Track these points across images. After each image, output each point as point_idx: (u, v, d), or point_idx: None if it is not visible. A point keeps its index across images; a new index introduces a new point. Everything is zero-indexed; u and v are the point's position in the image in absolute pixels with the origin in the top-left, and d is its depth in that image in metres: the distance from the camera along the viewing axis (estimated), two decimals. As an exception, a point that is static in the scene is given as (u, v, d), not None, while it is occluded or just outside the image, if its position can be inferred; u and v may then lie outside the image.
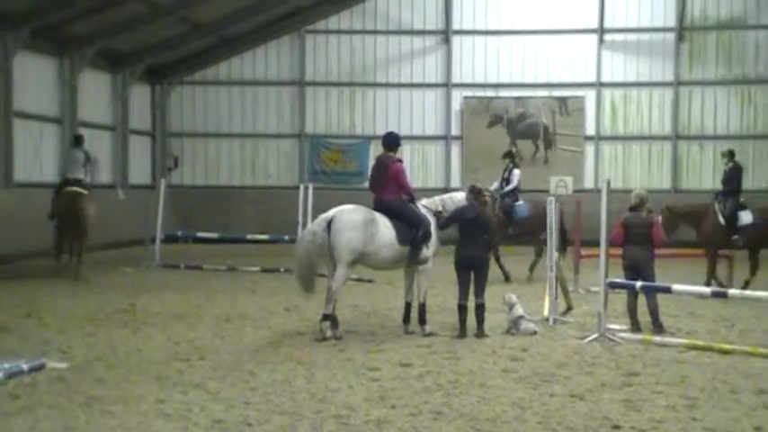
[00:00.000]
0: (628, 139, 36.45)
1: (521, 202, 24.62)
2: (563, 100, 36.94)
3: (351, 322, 16.89)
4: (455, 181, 36.37)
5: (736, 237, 21.44)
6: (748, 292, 14.67)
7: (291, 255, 15.51)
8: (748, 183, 34.50)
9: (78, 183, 23.86)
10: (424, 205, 16.42)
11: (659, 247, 16.47)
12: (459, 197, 16.78)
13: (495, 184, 24.68)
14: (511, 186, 24.62)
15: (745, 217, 21.62)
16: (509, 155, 25.75)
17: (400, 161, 16.19)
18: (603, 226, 14.98)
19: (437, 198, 16.91)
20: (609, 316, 16.03)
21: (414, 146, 37.04)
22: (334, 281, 15.26)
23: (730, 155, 22.81)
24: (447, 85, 37.21)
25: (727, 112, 36.21)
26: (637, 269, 16.13)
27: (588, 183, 36.44)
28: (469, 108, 37.16)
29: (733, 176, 22.31)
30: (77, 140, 25.24)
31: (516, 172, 24.88)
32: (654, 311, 16.13)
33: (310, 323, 16.48)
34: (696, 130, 36.46)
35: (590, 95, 36.85)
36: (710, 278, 21.60)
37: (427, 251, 15.89)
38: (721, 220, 21.70)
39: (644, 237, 16.20)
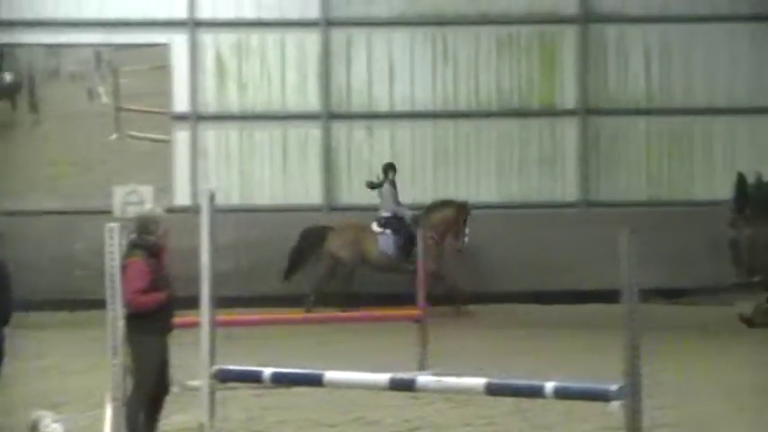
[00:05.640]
0: (251, 120, 23.45)
1: None
2: (135, 50, 23.68)
3: None
4: None
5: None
6: (450, 380, 7.96)
7: None
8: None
9: None
10: None
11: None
12: None
13: None
14: None
15: None
16: None
17: None
18: (206, 272, 8.41)
19: None
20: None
21: None
22: None
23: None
24: None
25: (411, 70, 23.62)
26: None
27: (183, 195, 23.02)
28: None
29: None
30: None
31: None
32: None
33: None
34: (361, 105, 23.82)
35: (179, 42, 23.36)
36: None
37: None
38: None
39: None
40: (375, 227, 22.11)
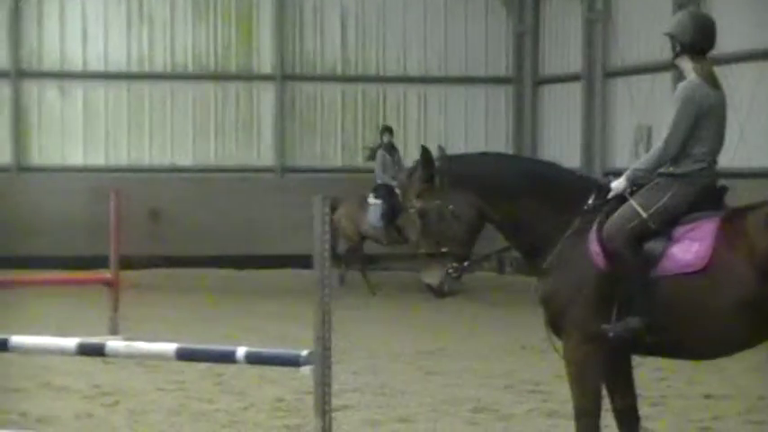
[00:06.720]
0: None
1: None
2: None
3: None
4: None
5: None
6: (141, 345, 7.36)
7: None
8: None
9: None
10: None
11: None
12: None
13: None
14: None
15: None
16: None
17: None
18: None
19: None
20: None
21: None
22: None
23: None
24: None
25: (104, 30, 22.79)
26: None
27: None
28: None
29: None
30: None
31: None
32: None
33: None
34: (53, 63, 22.76)
35: None
36: None
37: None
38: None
39: None
40: (370, 197, 20.97)
